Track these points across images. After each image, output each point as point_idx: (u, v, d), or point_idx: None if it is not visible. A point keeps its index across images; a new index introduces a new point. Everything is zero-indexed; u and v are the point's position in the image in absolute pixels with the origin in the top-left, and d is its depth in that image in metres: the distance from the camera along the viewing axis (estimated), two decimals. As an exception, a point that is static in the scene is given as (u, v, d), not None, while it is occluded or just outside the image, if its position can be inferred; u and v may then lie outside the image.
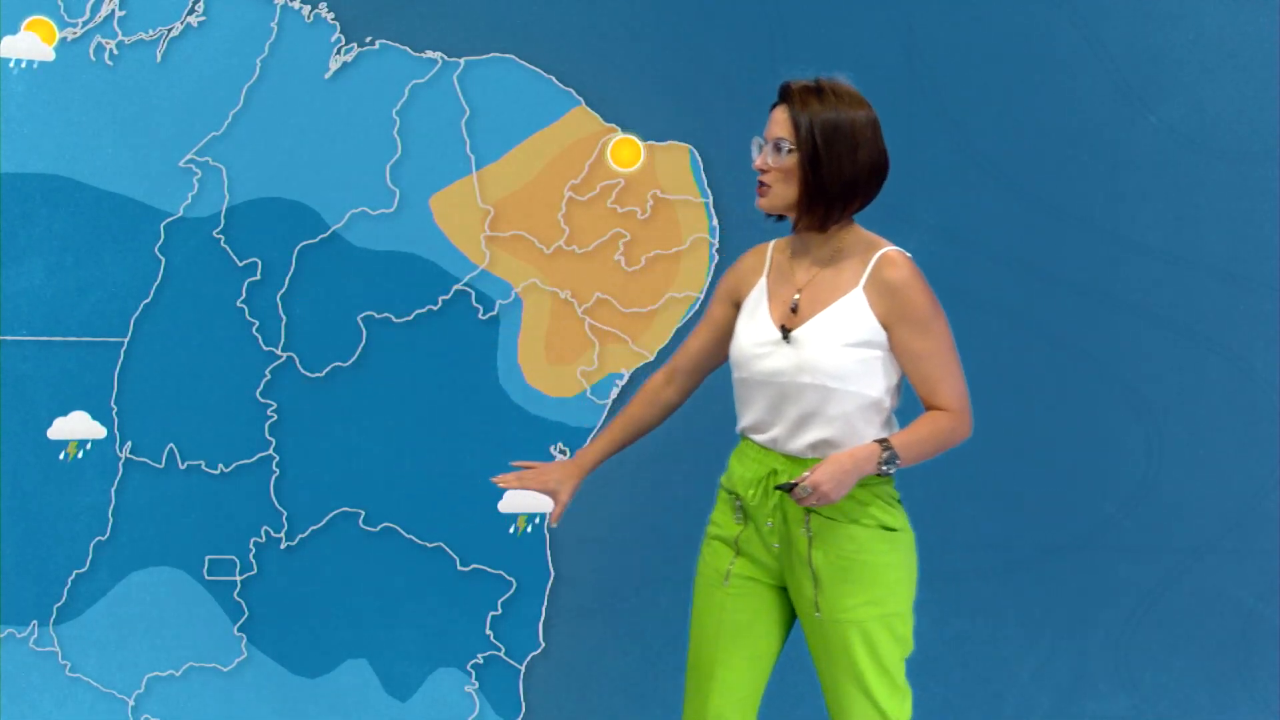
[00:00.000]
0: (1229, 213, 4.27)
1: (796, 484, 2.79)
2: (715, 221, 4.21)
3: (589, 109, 4.19)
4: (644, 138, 4.21)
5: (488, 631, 4.22)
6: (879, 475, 2.88)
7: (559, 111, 4.19)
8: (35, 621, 4.14)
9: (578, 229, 4.20)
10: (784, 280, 2.99)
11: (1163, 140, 4.26)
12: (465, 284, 4.18)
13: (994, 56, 4.19)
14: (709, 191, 4.21)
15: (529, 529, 4.21)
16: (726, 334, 3.09)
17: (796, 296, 2.95)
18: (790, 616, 3.05)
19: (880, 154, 2.92)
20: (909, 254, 2.93)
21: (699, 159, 4.21)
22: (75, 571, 4.13)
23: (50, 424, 4.11)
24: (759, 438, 2.98)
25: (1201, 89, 4.26)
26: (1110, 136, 4.25)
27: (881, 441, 2.86)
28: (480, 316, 4.19)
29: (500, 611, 4.22)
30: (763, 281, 3.02)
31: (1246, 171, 4.27)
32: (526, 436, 4.20)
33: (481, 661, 4.22)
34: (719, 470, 4.25)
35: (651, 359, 4.22)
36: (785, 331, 2.92)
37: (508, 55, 4.18)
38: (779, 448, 2.94)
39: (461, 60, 4.17)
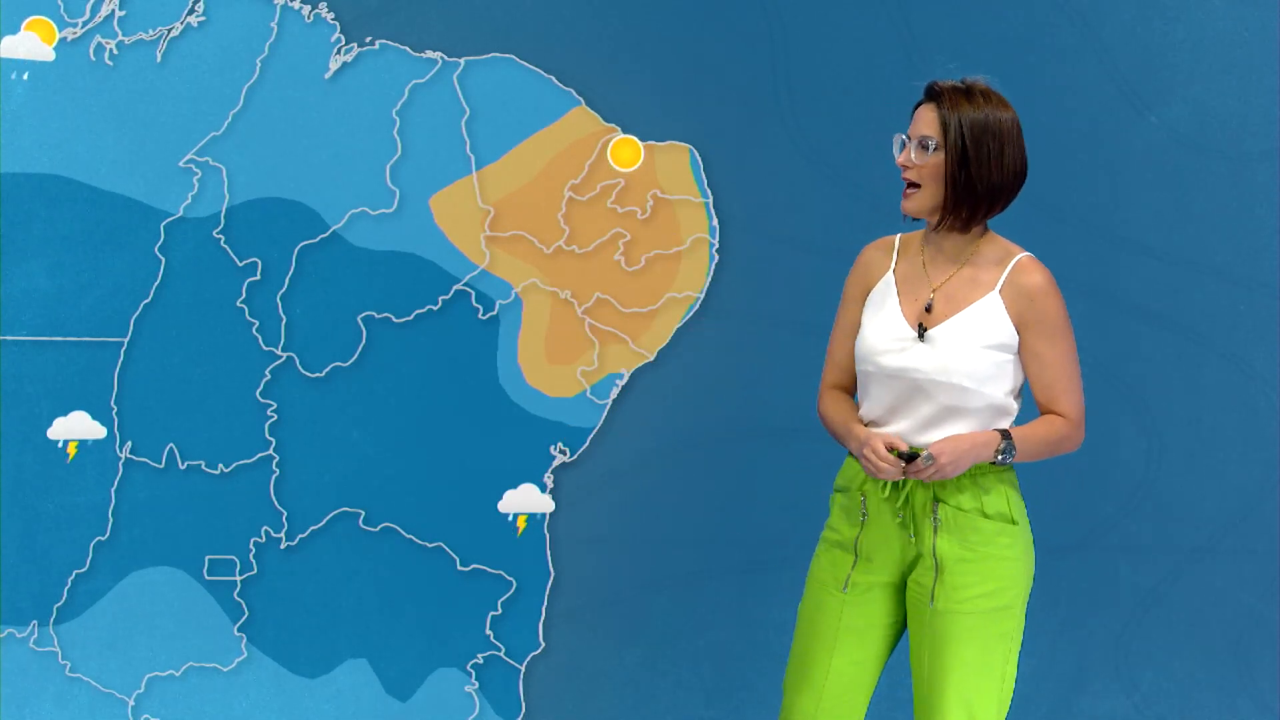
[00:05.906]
0: (1229, 213, 4.27)
1: (917, 455, 2.86)
2: (715, 221, 4.21)
3: (589, 109, 4.19)
4: (644, 138, 4.20)
5: (488, 631, 4.22)
6: (993, 464, 2.93)
7: (559, 111, 4.19)
8: (35, 621, 4.14)
9: (578, 229, 4.20)
10: (915, 277, 3.02)
11: (1163, 140, 4.26)
12: (465, 284, 4.18)
13: (994, 56, 4.19)
14: (709, 191, 4.21)
15: (528, 525, 4.21)
16: None
17: (931, 295, 2.98)
18: (904, 619, 3.06)
19: (1023, 157, 2.97)
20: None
21: (699, 159, 4.20)
22: (75, 571, 4.13)
23: (50, 424, 4.11)
24: (882, 432, 3.00)
25: (1201, 89, 4.25)
26: (1110, 136, 4.25)
27: (1002, 431, 2.93)
28: (480, 316, 4.19)
29: (500, 611, 4.21)
30: (890, 275, 3.05)
31: (1246, 171, 4.27)
32: (526, 436, 4.20)
33: (481, 661, 4.22)
34: (719, 471, 4.27)
35: (651, 359, 4.22)
36: (921, 330, 2.95)
37: (508, 55, 4.17)
38: (906, 441, 2.97)
39: (461, 60, 4.17)
